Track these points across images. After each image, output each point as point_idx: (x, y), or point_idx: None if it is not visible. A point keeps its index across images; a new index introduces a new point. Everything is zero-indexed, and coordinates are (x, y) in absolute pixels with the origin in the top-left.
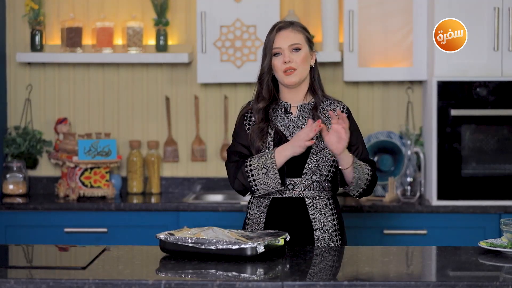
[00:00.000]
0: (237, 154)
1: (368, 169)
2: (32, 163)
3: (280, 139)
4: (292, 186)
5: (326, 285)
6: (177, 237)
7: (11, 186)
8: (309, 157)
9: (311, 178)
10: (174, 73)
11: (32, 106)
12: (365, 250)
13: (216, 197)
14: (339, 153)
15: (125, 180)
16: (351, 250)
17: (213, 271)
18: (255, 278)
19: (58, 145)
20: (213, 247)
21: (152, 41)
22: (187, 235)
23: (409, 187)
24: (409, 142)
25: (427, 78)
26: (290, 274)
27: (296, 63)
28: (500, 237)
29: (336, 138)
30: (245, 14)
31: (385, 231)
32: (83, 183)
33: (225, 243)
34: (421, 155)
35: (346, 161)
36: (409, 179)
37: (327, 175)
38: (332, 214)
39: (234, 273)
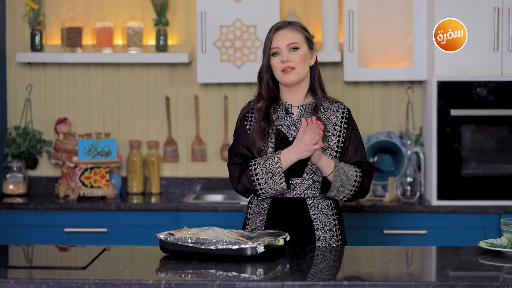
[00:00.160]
0: (239, 156)
1: (357, 176)
2: (32, 163)
3: (282, 140)
4: (293, 187)
5: (326, 285)
6: (177, 237)
7: (11, 186)
8: (310, 158)
9: (312, 178)
10: (174, 73)
11: (32, 106)
12: (365, 250)
13: (216, 197)
14: (315, 162)
15: (125, 180)
16: (351, 250)
17: (213, 271)
18: (255, 278)
19: (58, 145)
20: (213, 247)
21: (152, 41)
22: (187, 235)
23: (409, 187)
24: (409, 142)
25: (427, 78)
26: (290, 274)
27: (294, 62)
28: (500, 237)
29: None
30: (245, 14)
31: (385, 231)
32: (83, 183)
33: (225, 243)
34: (421, 155)
35: (327, 167)
36: (409, 179)
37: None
38: (333, 214)
39: (234, 273)
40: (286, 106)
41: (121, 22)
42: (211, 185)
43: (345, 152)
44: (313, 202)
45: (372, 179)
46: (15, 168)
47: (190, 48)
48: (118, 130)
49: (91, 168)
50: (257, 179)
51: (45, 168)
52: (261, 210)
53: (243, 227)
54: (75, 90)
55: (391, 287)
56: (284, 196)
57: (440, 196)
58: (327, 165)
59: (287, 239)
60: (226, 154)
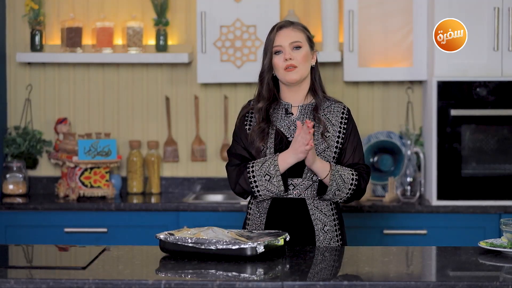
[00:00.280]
0: (238, 157)
1: (353, 179)
2: (32, 163)
3: (281, 140)
4: (293, 187)
5: (326, 285)
6: (177, 237)
7: (11, 186)
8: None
9: (312, 178)
10: (174, 73)
11: (32, 106)
12: (365, 250)
13: (216, 197)
14: (309, 164)
15: (125, 180)
16: (351, 250)
17: (213, 271)
18: (255, 278)
19: (58, 145)
20: (213, 247)
21: (152, 41)
22: (187, 235)
23: (409, 187)
24: (409, 142)
25: (427, 78)
26: (290, 274)
27: (297, 61)
28: (500, 237)
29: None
30: (245, 14)
31: (385, 231)
32: (83, 183)
33: (225, 243)
34: (421, 155)
35: (322, 170)
36: (409, 179)
37: None
38: (333, 214)
39: (234, 273)
40: (286, 106)
41: (121, 22)
42: (211, 185)
43: (343, 152)
44: (313, 202)
45: (368, 181)
46: (15, 168)
47: (190, 48)
48: (118, 130)
49: (91, 168)
50: (254, 181)
51: (45, 168)
52: (261, 210)
53: (243, 227)
54: (75, 90)
55: (391, 287)
56: (284, 196)
57: (440, 196)
58: (321, 168)
59: (287, 239)
60: (226, 154)
